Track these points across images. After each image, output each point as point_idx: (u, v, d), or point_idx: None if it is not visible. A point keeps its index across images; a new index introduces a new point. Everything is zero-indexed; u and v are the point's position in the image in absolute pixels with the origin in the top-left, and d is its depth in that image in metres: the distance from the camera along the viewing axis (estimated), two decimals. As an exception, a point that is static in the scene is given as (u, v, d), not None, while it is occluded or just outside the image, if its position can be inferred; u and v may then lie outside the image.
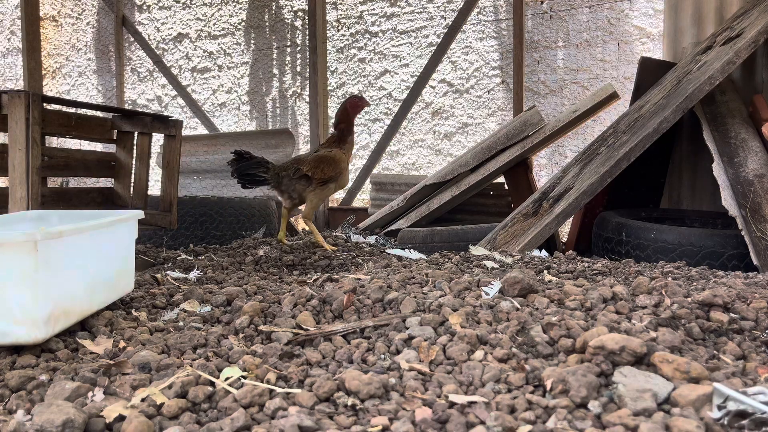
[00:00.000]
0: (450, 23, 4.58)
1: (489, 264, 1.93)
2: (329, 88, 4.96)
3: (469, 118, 4.56)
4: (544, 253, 2.20)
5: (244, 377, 0.93)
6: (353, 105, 2.57)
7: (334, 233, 3.16)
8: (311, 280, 1.64)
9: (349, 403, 0.86)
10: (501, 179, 3.60)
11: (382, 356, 1.05)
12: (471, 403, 0.87)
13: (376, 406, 0.86)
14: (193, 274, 1.77)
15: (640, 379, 0.94)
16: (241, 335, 1.14)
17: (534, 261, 2.02)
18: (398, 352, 1.07)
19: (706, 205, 3.10)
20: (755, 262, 2.13)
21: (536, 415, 0.85)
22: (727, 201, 2.23)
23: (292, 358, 1.04)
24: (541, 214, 2.49)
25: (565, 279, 1.72)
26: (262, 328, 1.16)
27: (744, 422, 0.85)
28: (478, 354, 1.05)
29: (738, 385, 0.94)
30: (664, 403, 0.89)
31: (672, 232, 2.25)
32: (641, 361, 1.00)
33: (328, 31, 4.93)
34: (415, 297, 1.35)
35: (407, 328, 1.17)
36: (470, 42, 4.58)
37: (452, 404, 0.87)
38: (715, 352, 1.11)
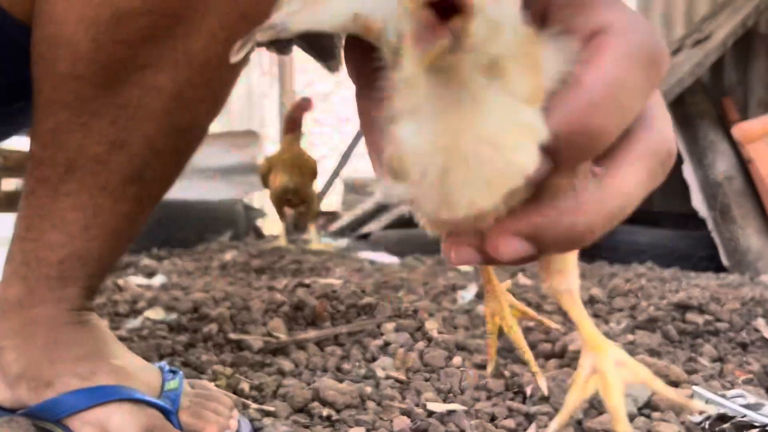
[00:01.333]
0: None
1: (464, 267, 1.92)
2: (298, 87, 4.92)
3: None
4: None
5: (218, 386, 0.90)
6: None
7: (302, 237, 3.14)
8: (281, 286, 1.62)
9: (325, 414, 0.84)
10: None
11: (358, 364, 1.03)
12: (450, 412, 0.85)
13: (353, 416, 0.84)
14: (157, 280, 1.72)
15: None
16: (209, 343, 1.11)
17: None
18: (374, 359, 1.06)
19: (676, 207, 3.14)
20: (725, 263, 2.16)
21: (517, 422, 0.83)
22: (697, 202, 2.26)
23: (263, 367, 1.01)
24: (512, 216, 2.48)
25: (540, 281, 1.72)
26: (231, 336, 1.14)
27: (725, 426, 0.84)
28: (457, 360, 1.03)
29: (717, 388, 0.94)
30: (645, 408, 0.88)
31: (644, 234, 2.27)
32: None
33: (296, 31, 4.90)
34: (390, 302, 1.34)
35: (383, 334, 1.16)
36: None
37: (431, 413, 0.85)
38: (692, 354, 1.12)
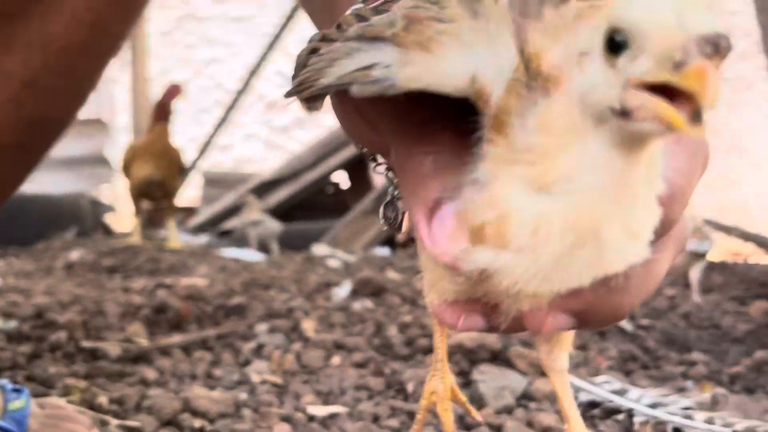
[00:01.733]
0: (286, 12, 4.51)
1: (332, 263, 1.93)
2: (151, 75, 4.67)
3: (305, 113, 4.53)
4: (386, 250, 2.24)
5: (71, 402, 0.82)
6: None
7: (157, 233, 3.02)
8: (139, 287, 1.54)
9: (197, 426, 0.79)
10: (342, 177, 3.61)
11: (230, 369, 0.99)
12: (332, 415, 0.83)
13: (228, 425, 0.79)
14: (-8, 283, 1.56)
15: (498, 376, 0.96)
16: (58, 353, 1.02)
17: (377, 259, 2.07)
18: (248, 363, 1.02)
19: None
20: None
21: (400, 421, 0.83)
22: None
23: (123, 377, 0.94)
24: (380, 211, 2.53)
25: (410, 274, 1.76)
26: (84, 344, 1.06)
27: (594, 412, 0.89)
28: (336, 360, 1.02)
29: (585, 375, 1.00)
30: (522, 398, 0.92)
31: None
32: (497, 357, 1.03)
33: (151, 13, 4.63)
34: (261, 301, 1.32)
35: (256, 336, 1.13)
36: (307, 33, 4.53)
37: (312, 417, 0.83)
38: (559, 343, 1.18)
